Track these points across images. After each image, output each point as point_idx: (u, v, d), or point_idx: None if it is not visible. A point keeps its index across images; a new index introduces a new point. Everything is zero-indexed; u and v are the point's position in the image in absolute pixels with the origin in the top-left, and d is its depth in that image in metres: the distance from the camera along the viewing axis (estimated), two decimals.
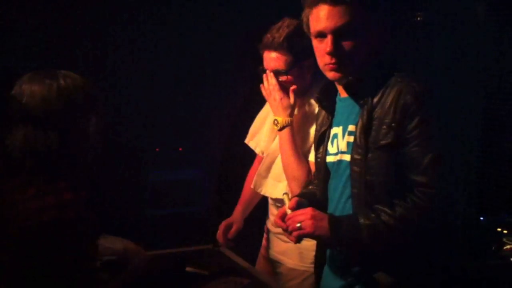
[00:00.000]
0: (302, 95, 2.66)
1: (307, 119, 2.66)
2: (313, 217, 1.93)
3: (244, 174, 3.09)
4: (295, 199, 2.13)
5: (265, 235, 2.98)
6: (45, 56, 3.38)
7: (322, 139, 2.18)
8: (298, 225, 1.94)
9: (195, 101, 3.86)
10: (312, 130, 2.55)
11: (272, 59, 2.61)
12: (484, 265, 2.68)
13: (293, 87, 2.64)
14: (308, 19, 2.05)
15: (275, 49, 2.58)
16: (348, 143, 2.02)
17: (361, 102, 1.99)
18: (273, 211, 2.83)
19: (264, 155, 2.83)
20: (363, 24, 1.96)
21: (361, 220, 1.88)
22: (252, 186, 2.80)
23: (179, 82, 3.85)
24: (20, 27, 3.40)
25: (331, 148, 2.12)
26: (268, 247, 2.88)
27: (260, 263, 2.98)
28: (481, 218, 2.76)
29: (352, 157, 1.98)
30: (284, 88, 2.65)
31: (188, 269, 2.47)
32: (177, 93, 3.84)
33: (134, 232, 2.67)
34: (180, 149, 3.83)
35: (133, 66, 3.73)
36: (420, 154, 1.85)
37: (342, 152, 2.05)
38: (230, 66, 3.91)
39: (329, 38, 1.97)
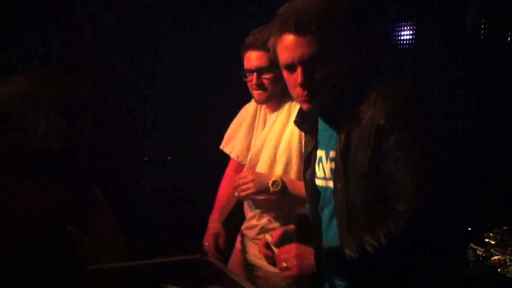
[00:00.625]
0: (282, 95, 2.68)
1: (284, 124, 2.72)
2: (297, 256, 1.90)
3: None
4: (278, 232, 2.15)
5: (239, 238, 3.01)
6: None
7: (308, 160, 2.13)
8: (285, 265, 1.92)
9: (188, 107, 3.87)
10: (286, 138, 2.68)
11: (255, 58, 2.67)
12: (471, 276, 2.68)
13: None
14: (275, 49, 1.95)
15: (258, 48, 2.64)
16: (331, 169, 1.98)
17: (338, 128, 1.92)
18: (249, 215, 2.88)
19: (240, 159, 2.91)
20: (336, 49, 1.86)
21: (347, 254, 1.83)
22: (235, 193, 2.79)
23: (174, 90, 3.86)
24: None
25: (319, 171, 2.07)
26: (243, 251, 2.93)
27: (234, 266, 2.96)
28: (469, 229, 2.77)
29: (334, 186, 1.95)
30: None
31: (163, 286, 2.37)
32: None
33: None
34: (170, 158, 3.83)
35: (126, 74, 3.74)
36: (402, 178, 1.78)
37: (328, 179, 2.02)
38: (221, 75, 3.92)
39: (299, 70, 1.88)
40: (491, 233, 2.63)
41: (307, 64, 1.86)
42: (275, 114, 2.77)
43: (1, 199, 1.92)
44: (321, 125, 2.07)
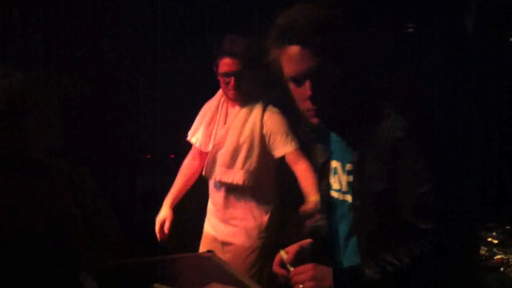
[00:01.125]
0: (248, 98, 3.08)
1: (246, 115, 3.07)
2: (315, 278, 1.78)
3: None
4: (294, 250, 2.00)
5: (207, 219, 3.32)
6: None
7: (323, 171, 2.02)
8: (301, 286, 1.78)
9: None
10: (248, 128, 3.04)
11: (227, 64, 3.00)
12: (474, 275, 2.68)
13: None
14: (277, 61, 1.83)
15: (233, 56, 2.97)
16: (348, 182, 1.90)
17: (352, 141, 1.85)
18: (214, 195, 3.22)
19: (203, 148, 3.22)
20: (342, 58, 1.76)
21: (368, 275, 1.74)
22: (203, 173, 3.19)
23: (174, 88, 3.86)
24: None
25: (334, 184, 1.98)
26: (214, 230, 3.25)
27: (205, 244, 3.28)
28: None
29: (353, 202, 1.87)
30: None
31: (156, 286, 2.36)
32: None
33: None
34: (172, 156, 3.84)
35: (127, 72, 3.74)
36: (423, 195, 1.71)
37: (345, 193, 1.93)
38: None
39: (307, 83, 1.77)
40: (493, 232, 2.63)
41: (315, 77, 1.76)
42: (237, 107, 3.13)
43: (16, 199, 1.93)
44: (333, 136, 1.98)
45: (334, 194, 1.97)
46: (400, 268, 1.71)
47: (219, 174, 3.13)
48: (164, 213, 3.23)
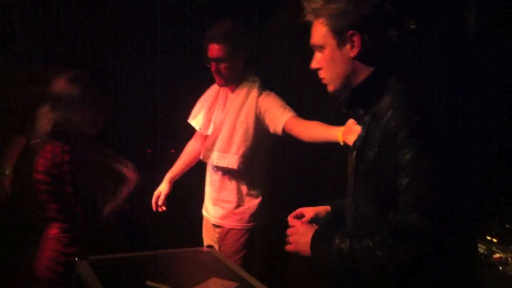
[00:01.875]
0: (238, 79, 3.22)
1: (243, 101, 3.18)
2: (297, 232, 1.96)
3: None
4: (311, 213, 2.20)
5: (205, 204, 3.44)
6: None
7: (350, 152, 2.03)
8: (288, 240, 1.98)
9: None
10: (244, 112, 3.16)
11: (214, 49, 3.14)
12: (473, 273, 2.69)
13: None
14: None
15: (217, 41, 3.11)
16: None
17: (363, 119, 1.91)
18: (210, 178, 3.33)
19: (203, 131, 3.35)
20: (345, 42, 1.85)
21: (336, 243, 1.81)
22: (201, 157, 3.30)
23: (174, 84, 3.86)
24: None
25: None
26: (207, 213, 3.39)
27: (205, 228, 3.44)
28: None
29: (349, 181, 1.96)
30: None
31: (148, 283, 2.35)
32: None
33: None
34: (172, 150, 3.84)
35: (128, 69, 3.74)
36: (397, 188, 1.73)
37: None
38: None
39: (315, 54, 1.95)
40: (493, 231, 2.63)
41: (319, 51, 1.90)
42: (235, 93, 3.25)
43: None
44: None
45: (349, 169, 2.01)
46: (367, 250, 1.74)
47: (216, 158, 3.23)
48: (162, 187, 3.41)
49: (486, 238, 2.66)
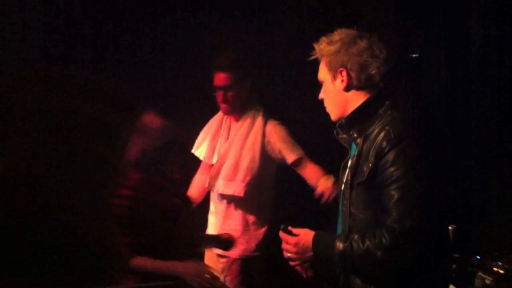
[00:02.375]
0: (242, 108, 3.30)
1: (248, 129, 3.25)
2: (295, 242, 2.19)
3: None
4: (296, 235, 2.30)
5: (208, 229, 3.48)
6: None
7: (344, 166, 2.35)
8: (288, 255, 2.22)
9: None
10: (250, 141, 3.21)
11: (221, 78, 3.22)
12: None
13: None
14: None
15: (224, 70, 3.20)
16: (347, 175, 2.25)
17: (356, 141, 2.19)
18: (215, 207, 3.36)
19: (207, 160, 3.39)
20: (334, 75, 2.23)
21: (337, 245, 2.06)
22: (206, 185, 3.35)
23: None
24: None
25: (342, 176, 2.34)
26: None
27: (208, 258, 3.42)
28: (478, 257, 2.78)
29: (343, 191, 2.23)
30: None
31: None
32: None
33: None
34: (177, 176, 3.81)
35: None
36: (391, 198, 2.00)
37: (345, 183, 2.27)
38: None
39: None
40: (499, 262, 2.66)
41: (322, 86, 2.29)
42: (239, 122, 3.31)
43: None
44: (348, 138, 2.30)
45: (343, 186, 2.30)
46: (361, 249, 2.00)
47: (221, 186, 3.27)
48: None
49: (493, 269, 2.66)
